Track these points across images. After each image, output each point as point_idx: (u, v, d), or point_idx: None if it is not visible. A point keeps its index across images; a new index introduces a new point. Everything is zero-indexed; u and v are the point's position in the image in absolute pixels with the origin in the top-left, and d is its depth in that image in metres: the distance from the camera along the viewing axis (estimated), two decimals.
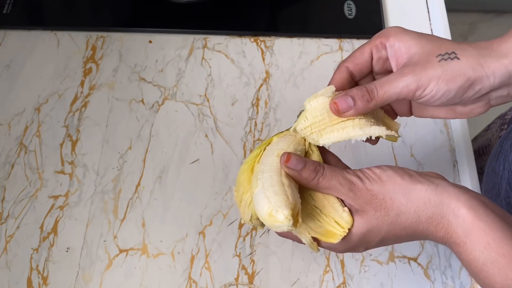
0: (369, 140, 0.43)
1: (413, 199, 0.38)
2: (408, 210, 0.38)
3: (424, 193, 0.37)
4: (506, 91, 0.41)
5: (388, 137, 0.43)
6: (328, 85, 0.44)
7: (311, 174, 0.39)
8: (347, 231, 0.38)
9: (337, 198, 0.40)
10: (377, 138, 0.43)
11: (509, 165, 0.49)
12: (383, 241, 0.40)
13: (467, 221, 0.36)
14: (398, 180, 0.38)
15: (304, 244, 0.40)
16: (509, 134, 0.53)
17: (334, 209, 0.39)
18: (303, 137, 0.43)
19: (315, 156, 0.43)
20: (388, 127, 0.43)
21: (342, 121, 0.41)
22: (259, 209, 0.37)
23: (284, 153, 0.39)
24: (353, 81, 0.45)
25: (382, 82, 0.40)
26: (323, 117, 0.42)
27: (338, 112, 0.41)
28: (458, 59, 0.39)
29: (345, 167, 0.43)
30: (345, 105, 0.41)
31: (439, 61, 0.40)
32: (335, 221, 0.39)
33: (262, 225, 0.40)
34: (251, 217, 0.40)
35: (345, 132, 0.41)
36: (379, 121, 0.43)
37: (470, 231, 0.36)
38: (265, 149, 0.42)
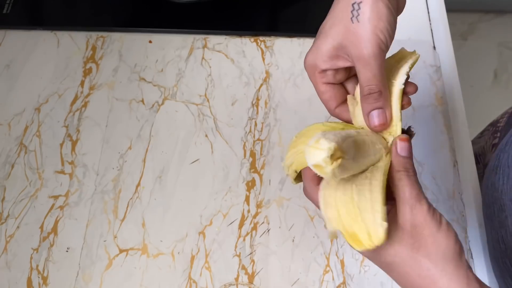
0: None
1: (442, 269, 0.36)
2: (431, 269, 0.36)
3: (451, 277, 0.36)
4: None
5: (413, 64, 0.43)
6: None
7: (401, 166, 0.38)
8: (374, 247, 0.35)
9: (384, 207, 0.36)
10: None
11: (510, 181, 0.49)
12: (391, 266, 0.38)
13: None
14: (452, 245, 0.36)
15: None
16: (505, 146, 0.53)
17: (373, 218, 0.36)
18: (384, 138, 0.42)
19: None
20: (406, 57, 0.43)
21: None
22: (312, 139, 0.35)
23: (405, 136, 0.39)
24: (345, 94, 0.44)
25: (365, 75, 0.40)
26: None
27: (384, 126, 0.41)
28: (361, 2, 0.39)
29: None
30: (381, 118, 0.41)
31: (358, 21, 0.39)
32: (368, 231, 0.36)
33: (295, 179, 0.39)
34: (291, 164, 0.39)
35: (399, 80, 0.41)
36: (401, 64, 0.43)
37: None
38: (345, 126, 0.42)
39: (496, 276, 0.54)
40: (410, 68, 0.42)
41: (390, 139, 0.41)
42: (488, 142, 0.70)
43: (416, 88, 0.43)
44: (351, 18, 0.40)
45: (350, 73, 0.45)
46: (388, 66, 0.42)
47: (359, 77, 0.40)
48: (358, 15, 0.39)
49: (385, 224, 0.36)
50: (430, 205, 0.37)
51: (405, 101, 0.42)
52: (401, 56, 0.44)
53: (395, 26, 0.40)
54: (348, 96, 0.43)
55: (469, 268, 0.37)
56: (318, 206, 0.39)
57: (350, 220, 0.36)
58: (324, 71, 0.43)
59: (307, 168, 0.39)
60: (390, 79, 0.42)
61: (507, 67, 1.73)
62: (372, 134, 0.41)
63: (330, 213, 0.37)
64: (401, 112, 0.42)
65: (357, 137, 0.38)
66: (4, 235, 0.57)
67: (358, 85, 0.41)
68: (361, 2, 0.39)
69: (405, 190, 0.37)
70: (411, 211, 0.37)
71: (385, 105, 0.41)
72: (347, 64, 0.42)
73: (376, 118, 0.41)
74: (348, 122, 0.44)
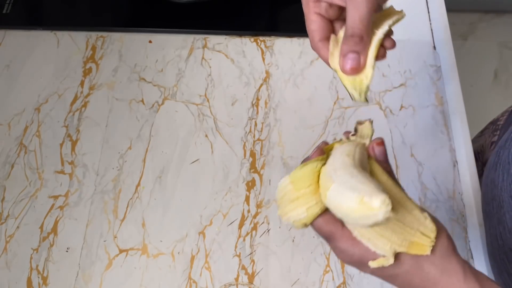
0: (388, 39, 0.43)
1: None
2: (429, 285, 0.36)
3: None
4: None
5: (397, 21, 0.43)
6: (330, 62, 0.43)
7: (389, 169, 0.38)
8: (435, 240, 0.36)
9: (414, 203, 0.37)
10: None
11: (510, 177, 0.49)
12: (394, 281, 0.38)
13: None
14: (451, 252, 0.37)
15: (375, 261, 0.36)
16: (505, 143, 0.53)
17: (415, 218, 0.36)
18: (364, 144, 0.42)
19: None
20: (391, 14, 0.43)
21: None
22: (343, 201, 0.33)
23: (377, 138, 0.38)
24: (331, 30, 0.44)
25: (352, 17, 0.39)
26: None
27: (355, 71, 0.41)
28: None
29: None
30: (354, 62, 0.40)
31: None
32: (421, 232, 0.36)
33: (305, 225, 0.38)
34: (300, 220, 0.37)
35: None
36: (386, 18, 0.43)
37: None
38: (327, 156, 0.40)
39: (493, 272, 0.55)
40: (394, 23, 0.42)
41: (365, 83, 0.41)
42: (488, 140, 0.70)
43: (394, 44, 0.43)
44: None
45: (342, 14, 0.44)
46: (373, 19, 0.42)
47: (347, 18, 0.40)
48: None
49: (427, 215, 0.36)
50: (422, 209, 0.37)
51: (381, 53, 0.42)
52: (388, 13, 0.44)
53: None
54: (332, 35, 0.43)
55: (465, 261, 0.37)
56: (330, 238, 0.38)
57: (398, 236, 0.36)
58: (319, 1, 0.42)
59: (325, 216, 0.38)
60: (372, 29, 0.41)
61: (507, 67, 1.73)
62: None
63: (381, 244, 0.36)
64: (375, 61, 0.41)
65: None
66: (4, 235, 0.57)
67: (344, 27, 0.41)
68: None
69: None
70: None
71: (362, 51, 0.40)
72: (341, 2, 0.41)
73: (350, 61, 0.40)
74: (325, 60, 0.43)
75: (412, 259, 0.36)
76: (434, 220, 0.38)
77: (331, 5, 0.43)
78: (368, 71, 0.41)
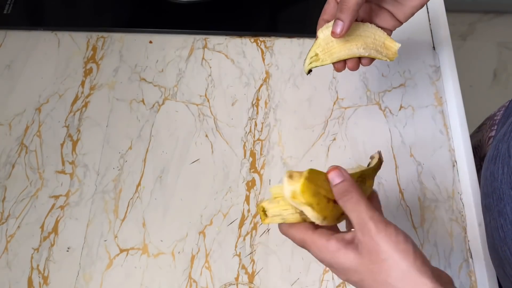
0: (364, 60, 0.54)
1: (408, 283, 0.36)
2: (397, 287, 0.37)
3: (421, 286, 0.36)
4: None
5: (383, 58, 0.54)
6: (316, 37, 0.53)
7: (338, 194, 0.39)
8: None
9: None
10: (373, 58, 0.54)
11: (510, 170, 0.49)
12: (361, 286, 0.39)
13: None
14: (410, 258, 0.37)
15: None
16: (504, 136, 0.53)
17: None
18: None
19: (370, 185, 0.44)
20: (387, 48, 0.54)
21: (348, 45, 0.52)
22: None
23: (333, 166, 0.41)
24: None
25: None
26: (333, 43, 0.52)
27: (339, 35, 0.49)
28: None
29: (377, 205, 0.44)
30: (338, 27, 0.49)
31: None
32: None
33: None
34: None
35: (350, 51, 0.52)
36: (379, 44, 0.54)
37: None
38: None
39: (494, 265, 0.54)
40: (376, 57, 0.54)
41: (318, 62, 0.54)
42: (485, 135, 0.70)
43: (369, 63, 0.55)
44: None
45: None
46: (376, 36, 0.54)
47: None
48: None
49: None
50: (378, 223, 0.37)
51: (352, 63, 0.54)
52: (387, 45, 0.55)
53: None
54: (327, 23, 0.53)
55: (432, 279, 0.36)
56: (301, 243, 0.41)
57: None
58: None
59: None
60: (362, 40, 0.53)
61: (507, 67, 1.73)
62: None
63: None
64: (342, 61, 0.54)
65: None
66: (5, 235, 0.57)
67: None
68: None
69: (351, 216, 0.38)
70: (363, 236, 0.37)
71: (345, 20, 0.49)
72: None
73: (336, 26, 0.49)
74: (317, 29, 0.54)
75: (370, 276, 0.37)
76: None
77: None
78: (327, 61, 0.53)
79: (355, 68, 0.55)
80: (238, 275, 0.55)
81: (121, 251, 0.56)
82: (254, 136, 0.64)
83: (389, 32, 0.55)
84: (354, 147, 0.63)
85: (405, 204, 0.60)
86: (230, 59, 0.70)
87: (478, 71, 1.70)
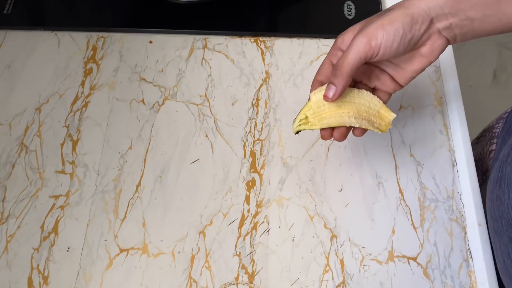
0: (356, 130, 0.52)
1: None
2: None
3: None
4: (447, 22, 0.47)
5: (374, 130, 0.52)
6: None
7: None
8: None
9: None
10: (365, 129, 0.52)
11: None
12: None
13: None
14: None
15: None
16: (507, 158, 0.53)
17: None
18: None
19: None
20: (381, 118, 0.52)
21: (340, 111, 0.50)
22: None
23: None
24: None
25: (343, 55, 0.48)
26: (325, 107, 0.51)
27: (331, 99, 0.49)
28: (393, 9, 0.47)
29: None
30: (330, 91, 0.48)
31: (378, 18, 0.47)
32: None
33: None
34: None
35: (341, 119, 0.51)
36: (373, 113, 0.51)
37: None
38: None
39: None
40: (369, 128, 0.52)
41: (308, 126, 0.53)
42: (485, 148, 0.69)
43: (361, 134, 0.54)
44: (377, 15, 0.48)
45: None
46: (371, 104, 0.52)
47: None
48: (383, 14, 0.47)
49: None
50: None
51: (341, 131, 0.54)
52: (381, 115, 0.53)
53: (401, 44, 0.47)
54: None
55: None
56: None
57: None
58: (339, 49, 0.51)
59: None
60: (355, 109, 0.52)
61: (507, 67, 1.73)
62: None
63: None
64: (332, 129, 0.53)
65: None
66: (5, 235, 0.57)
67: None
68: (393, 9, 0.47)
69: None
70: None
71: (338, 85, 0.48)
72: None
73: (329, 90, 0.49)
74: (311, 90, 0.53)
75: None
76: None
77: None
78: (316, 126, 0.52)
79: (341, 139, 0.53)
80: (238, 275, 0.55)
81: (121, 251, 0.57)
82: (254, 136, 0.64)
83: (388, 95, 0.54)
84: (354, 147, 0.63)
85: (405, 204, 0.60)
86: (230, 59, 0.70)
87: (478, 71, 1.70)
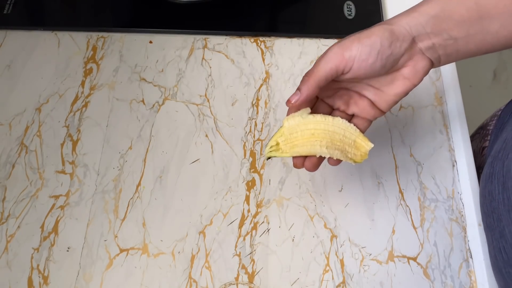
0: (330, 159, 0.49)
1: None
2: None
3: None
4: (429, 41, 0.45)
5: (348, 160, 0.49)
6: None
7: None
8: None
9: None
10: (339, 160, 0.49)
11: (508, 192, 0.49)
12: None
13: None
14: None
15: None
16: (498, 153, 0.53)
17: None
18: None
19: None
20: (357, 148, 0.49)
21: (312, 140, 0.48)
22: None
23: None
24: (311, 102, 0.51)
25: (315, 63, 0.46)
26: (297, 134, 0.48)
27: (292, 104, 0.46)
28: (374, 26, 0.45)
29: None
30: (294, 96, 0.46)
31: (357, 32, 0.45)
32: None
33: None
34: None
35: (312, 148, 0.48)
36: (348, 143, 0.49)
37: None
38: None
39: (500, 286, 0.54)
40: (343, 158, 0.49)
41: (280, 153, 0.50)
42: (479, 145, 0.69)
43: (336, 164, 0.50)
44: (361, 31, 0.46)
45: (336, 91, 0.51)
46: (347, 134, 0.49)
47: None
48: (364, 30, 0.45)
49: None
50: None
51: (312, 161, 0.50)
52: (358, 145, 0.50)
53: (377, 59, 0.45)
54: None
55: None
56: None
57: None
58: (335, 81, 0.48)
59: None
60: (333, 146, 0.49)
61: (507, 67, 1.73)
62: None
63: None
64: (301, 157, 0.50)
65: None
66: (5, 235, 0.57)
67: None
68: (374, 26, 0.45)
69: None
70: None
71: (302, 93, 0.46)
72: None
73: (293, 95, 0.46)
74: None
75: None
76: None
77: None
78: (287, 154, 0.49)
79: (312, 169, 0.50)
80: (238, 275, 0.55)
81: (121, 251, 0.57)
82: (254, 136, 0.64)
83: (368, 122, 0.50)
84: None
85: (405, 204, 0.60)
86: (230, 59, 0.70)
87: (478, 71, 1.70)
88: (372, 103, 0.49)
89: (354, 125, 0.50)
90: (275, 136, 0.49)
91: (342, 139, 0.48)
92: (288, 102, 0.46)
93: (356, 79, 0.47)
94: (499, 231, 0.50)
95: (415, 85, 0.47)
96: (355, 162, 0.49)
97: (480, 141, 0.69)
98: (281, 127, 0.49)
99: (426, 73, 0.47)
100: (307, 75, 0.46)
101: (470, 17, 0.44)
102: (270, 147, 0.49)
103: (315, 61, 0.50)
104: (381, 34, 0.43)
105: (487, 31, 0.45)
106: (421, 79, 0.47)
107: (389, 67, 0.45)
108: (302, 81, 0.46)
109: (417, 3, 0.47)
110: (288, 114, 0.49)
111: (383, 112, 0.50)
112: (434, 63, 0.47)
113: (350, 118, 0.51)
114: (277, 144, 0.49)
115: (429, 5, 0.45)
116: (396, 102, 0.48)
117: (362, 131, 0.50)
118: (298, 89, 0.46)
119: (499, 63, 1.74)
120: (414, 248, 0.57)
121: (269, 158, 0.50)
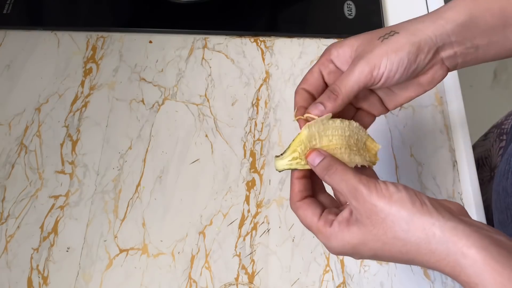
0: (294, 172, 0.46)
1: (415, 229, 0.36)
2: (408, 239, 0.36)
3: (430, 227, 0.36)
4: (452, 50, 0.44)
5: (366, 164, 0.46)
6: (295, 108, 0.46)
7: (322, 171, 0.40)
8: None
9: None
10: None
11: None
12: (376, 256, 0.39)
13: (478, 261, 0.34)
14: (408, 205, 0.36)
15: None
16: None
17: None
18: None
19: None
20: (369, 150, 0.47)
21: (332, 147, 0.44)
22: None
23: (311, 149, 0.42)
24: (314, 99, 0.46)
25: (341, 78, 0.43)
26: (316, 141, 0.44)
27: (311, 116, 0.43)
28: (398, 33, 0.43)
29: (372, 175, 0.44)
30: (316, 111, 0.43)
31: (381, 41, 0.42)
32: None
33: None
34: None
35: (333, 155, 0.44)
36: (360, 146, 0.46)
37: (482, 271, 0.34)
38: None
39: None
40: (364, 164, 0.45)
41: (294, 166, 0.44)
42: (495, 145, 0.69)
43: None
44: (380, 37, 0.43)
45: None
46: (358, 136, 0.46)
47: (338, 79, 0.44)
48: (387, 38, 0.43)
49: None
50: (368, 184, 0.38)
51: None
52: (370, 144, 0.47)
53: (403, 74, 0.43)
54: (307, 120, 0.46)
55: (439, 215, 0.36)
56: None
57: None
58: (330, 61, 0.46)
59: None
60: (352, 153, 0.45)
61: (507, 67, 1.73)
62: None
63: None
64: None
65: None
66: (4, 235, 0.57)
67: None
68: (398, 33, 0.43)
69: (341, 187, 0.38)
70: (357, 203, 0.37)
71: (328, 108, 0.43)
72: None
73: (315, 109, 0.43)
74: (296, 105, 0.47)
75: (379, 244, 0.37)
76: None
77: (336, 70, 0.46)
78: (308, 165, 0.43)
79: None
80: (238, 275, 0.55)
81: (121, 251, 0.56)
82: (254, 136, 0.64)
83: (373, 118, 0.49)
84: None
85: None
86: (230, 59, 0.70)
87: (478, 71, 1.70)
88: (381, 101, 0.49)
89: (360, 119, 0.49)
90: (293, 145, 0.43)
91: (356, 143, 0.46)
92: (308, 114, 0.44)
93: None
94: None
95: (426, 91, 0.47)
96: (372, 163, 0.47)
97: (495, 141, 0.69)
98: (298, 134, 0.44)
99: (441, 80, 0.46)
100: (335, 92, 0.43)
101: (494, 25, 0.43)
102: (292, 159, 0.43)
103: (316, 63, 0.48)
104: (409, 49, 0.42)
105: (507, 38, 0.44)
106: (435, 86, 0.46)
107: (410, 77, 0.45)
108: (328, 97, 0.43)
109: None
110: (297, 98, 0.46)
111: (388, 110, 0.49)
112: (449, 70, 0.46)
113: (355, 111, 0.50)
114: (299, 154, 0.43)
115: (455, 11, 0.43)
116: (403, 104, 0.48)
117: (366, 127, 0.50)
118: (322, 103, 0.43)
119: (500, 63, 1.74)
120: None
121: (282, 170, 0.44)
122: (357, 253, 0.39)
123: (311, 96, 0.46)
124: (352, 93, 0.43)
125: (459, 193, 0.61)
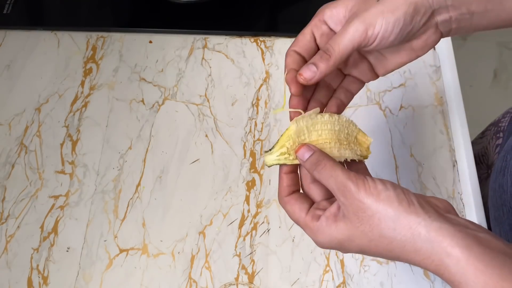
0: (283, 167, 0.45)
1: (402, 228, 0.36)
2: (394, 237, 0.37)
3: (416, 226, 0.36)
4: (447, 15, 0.43)
5: (357, 158, 0.45)
6: (285, 70, 0.44)
7: (311, 167, 0.39)
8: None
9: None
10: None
11: None
12: (363, 252, 0.39)
13: (461, 260, 0.34)
14: (395, 204, 0.37)
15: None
16: None
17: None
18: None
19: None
20: (361, 144, 0.46)
21: (321, 142, 0.43)
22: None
23: (300, 144, 0.41)
24: (305, 61, 0.45)
25: (334, 38, 0.41)
26: (305, 136, 0.43)
27: (306, 81, 0.41)
28: None
29: (364, 169, 0.44)
30: (309, 72, 0.41)
31: (378, 1, 0.41)
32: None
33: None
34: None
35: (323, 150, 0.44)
36: (351, 140, 0.45)
37: (465, 270, 0.34)
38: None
39: None
40: (355, 159, 0.44)
41: (283, 160, 0.44)
42: (491, 143, 0.69)
43: None
44: None
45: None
46: (348, 130, 0.45)
47: (330, 39, 0.42)
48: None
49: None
50: (356, 181, 0.37)
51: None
52: (361, 138, 0.46)
53: (398, 36, 0.41)
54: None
55: (425, 214, 0.36)
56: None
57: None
58: (324, 23, 0.44)
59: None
60: (343, 146, 0.44)
61: (507, 67, 1.73)
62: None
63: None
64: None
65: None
66: (4, 235, 0.57)
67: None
68: None
69: (330, 183, 0.38)
70: (345, 199, 0.37)
71: (322, 71, 0.41)
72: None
73: (308, 71, 0.41)
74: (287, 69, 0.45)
75: (366, 240, 0.37)
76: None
77: (329, 32, 0.44)
78: (296, 160, 0.43)
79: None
80: (238, 275, 0.55)
81: (121, 251, 0.56)
82: (254, 136, 0.64)
83: (361, 85, 0.47)
84: None
85: None
86: (230, 59, 0.70)
87: (478, 71, 1.70)
88: (372, 67, 0.47)
89: (347, 85, 0.48)
90: (281, 140, 0.43)
91: (346, 137, 0.46)
92: (300, 76, 0.42)
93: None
94: (508, 224, 0.50)
95: (418, 57, 0.45)
96: (364, 158, 0.47)
97: (492, 138, 0.69)
98: (286, 129, 0.44)
99: (434, 46, 0.45)
100: (328, 52, 0.41)
101: None
102: (280, 154, 0.43)
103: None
104: (405, 10, 0.41)
105: (503, 8, 0.43)
106: (426, 52, 0.45)
107: (404, 40, 0.43)
108: (321, 57, 0.42)
109: None
110: (288, 60, 0.45)
111: (377, 76, 0.48)
112: (443, 35, 0.45)
113: (343, 77, 0.48)
114: (287, 149, 0.43)
115: None
116: (393, 70, 0.46)
117: (354, 93, 0.48)
118: (314, 64, 0.41)
119: (500, 63, 1.74)
120: None
121: (271, 165, 0.44)
122: (343, 248, 0.39)
123: (302, 58, 0.44)
124: (346, 53, 0.41)
125: (459, 193, 0.61)
